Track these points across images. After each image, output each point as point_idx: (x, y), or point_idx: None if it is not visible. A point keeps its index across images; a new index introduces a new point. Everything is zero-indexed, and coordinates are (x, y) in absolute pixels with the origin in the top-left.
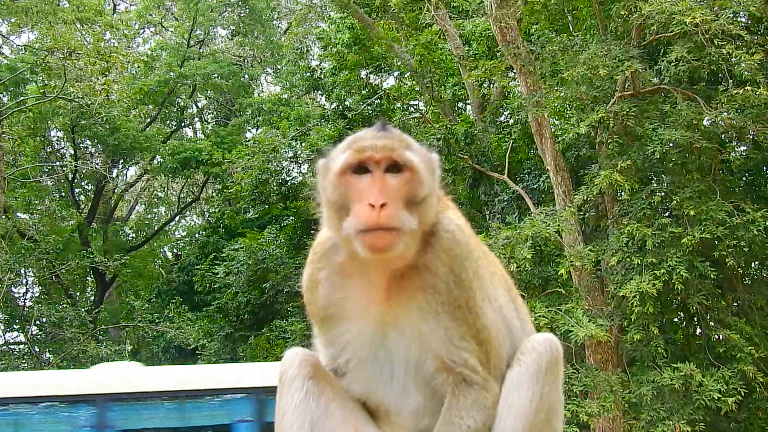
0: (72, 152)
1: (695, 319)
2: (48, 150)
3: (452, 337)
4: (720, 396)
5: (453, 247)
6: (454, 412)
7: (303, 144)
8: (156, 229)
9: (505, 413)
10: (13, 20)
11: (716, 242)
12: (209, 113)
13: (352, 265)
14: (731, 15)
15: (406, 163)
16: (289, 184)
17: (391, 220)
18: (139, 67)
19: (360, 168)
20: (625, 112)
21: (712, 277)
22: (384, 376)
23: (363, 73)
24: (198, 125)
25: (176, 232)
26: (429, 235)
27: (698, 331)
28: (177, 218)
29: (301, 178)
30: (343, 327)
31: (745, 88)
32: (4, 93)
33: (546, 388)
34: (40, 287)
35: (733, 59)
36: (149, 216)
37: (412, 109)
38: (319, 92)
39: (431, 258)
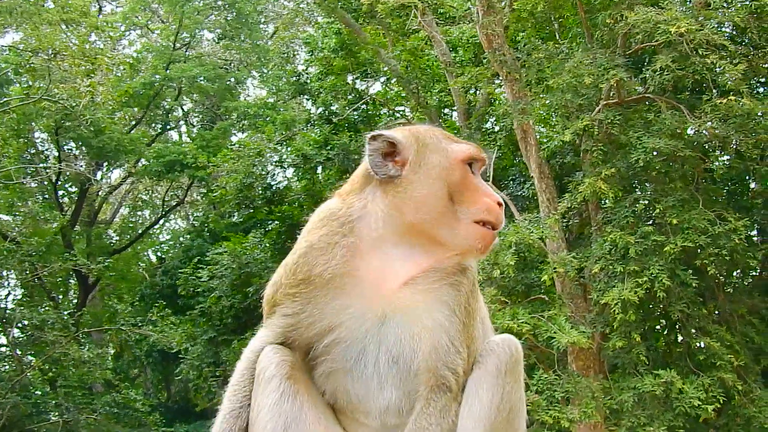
0: (56, 154)
1: (677, 326)
2: (32, 152)
3: (457, 345)
4: (700, 403)
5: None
6: (425, 417)
7: (288, 148)
8: (140, 232)
9: (467, 414)
10: None
11: (698, 251)
12: (195, 116)
13: (384, 241)
14: (716, 25)
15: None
16: (274, 188)
17: (503, 220)
18: (124, 69)
19: (471, 164)
20: (609, 121)
21: (694, 285)
22: (363, 366)
23: (349, 78)
24: (183, 128)
25: (160, 236)
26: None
27: (679, 338)
28: (161, 221)
29: (286, 182)
30: (342, 302)
31: (729, 98)
32: None
33: (507, 388)
34: (23, 289)
35: (717, 69)
36: (133, 219)
37: (398, 114)
38: (305, 97)
39: (464, 269)
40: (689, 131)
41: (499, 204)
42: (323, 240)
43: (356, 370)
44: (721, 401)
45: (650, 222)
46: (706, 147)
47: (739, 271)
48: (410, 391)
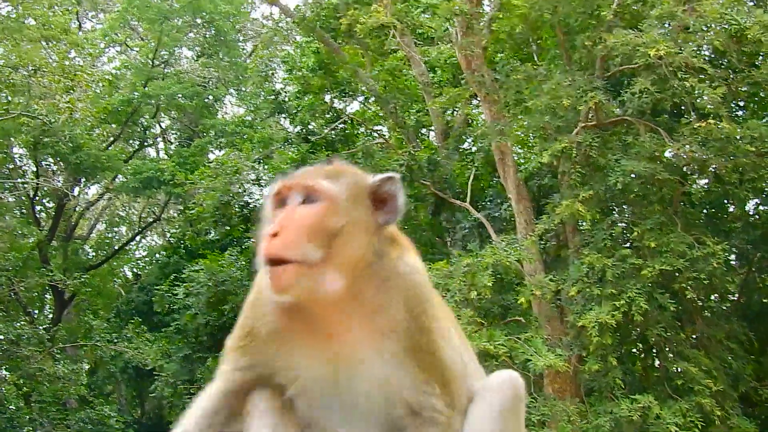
0: (34, 169)
1: (654, 350)
2: (9, 167)
3: (418, 384)
4: (677, 429)
5: (411, 291)
6: None
7: (266, 167)
8: (116, 248)
9: None
10: None
11: (676, 274)
12: (172, 133)
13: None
14: (695, 48)
15: (320, 192)
16: (251, 206)
17: (282, 250)
18: (103, 86)
19: (282, 200)
20: (588, 143)
21: (672, 309)
22: (340, 417)
23: (327, 97)
24: (161, 145)
25: (137, 252)
26: (385, 277)
27: (657, 362)
28: (138, 238)
29: (263, 200)
30: (288, 357)
31: (708, 121)
32: None
33: (509, 425)
34: None
35: (696, 92)
36: (110, 235)
37: (375, 134)
38: (283, 115)
39: (388, 301)
40: (668, 154)
41: (273, 234)
42: (254, 303)
43: (333, 420)
44: (700, 427)
45: (628, 245)
46: (685, 170)
47: (717, 295)
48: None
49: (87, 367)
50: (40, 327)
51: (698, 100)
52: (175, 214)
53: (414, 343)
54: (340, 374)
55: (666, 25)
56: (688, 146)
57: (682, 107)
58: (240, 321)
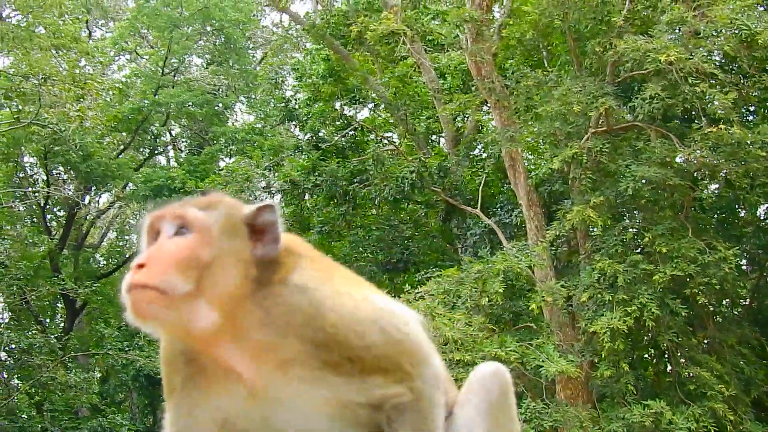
0: (44, 178)
1: (666, 356)
2: (20, 176)
3: (358, 383)
4: None
5: (294, 317)
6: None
7: (276, 174)
8: (127, 256)
9: None
10: None
11: (687, 280)
12: (183, 141)
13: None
14: (705, 54)
15: (191, 223)
16: None
17: (146, 279)
18: (113, 94)
19: (156, 233)
20: (598, 149)
21: (683, 314)
22: None
23: (337, 104)
24: (171, 153)
25: None
26: (267, 309)
27: (669, 368)
28: None
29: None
30: (214, 409)
31: (719, 126)
32: None
33: (500, 421)
34: (10, 313)
35: (707, 98)
36: (121, 243)
37: (386, 141)
38: (293, 123)
39: (280, 331)
40: (678, 160)
41: (140, 266)
42: (164, 349)
43: None
44: None
45: (639, 250)
46: (696, 176)
47: (728, 300)
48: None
49: (99, 375)
50: (52, 336)
51: (709, 106)
52: None
53: (328, 357)
54: (270, 417)
55: (676, 31)
56: (699, 151)
57: (693, 112)
58: (162, 376)
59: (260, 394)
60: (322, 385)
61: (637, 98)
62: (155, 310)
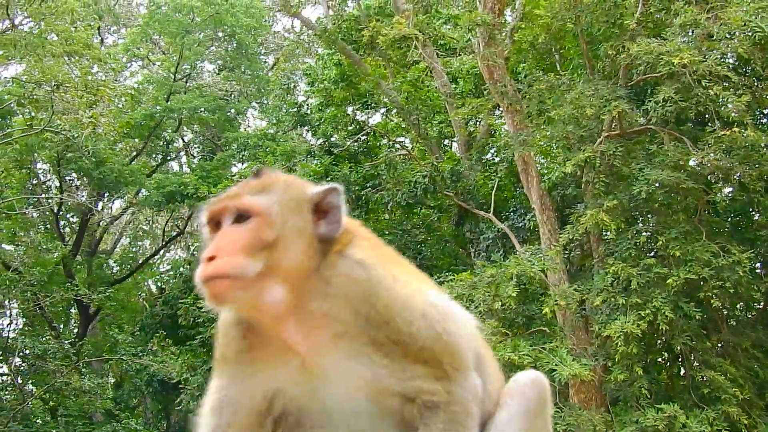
0: (57, 185)
1: (679, 359)
2: (33, 182)
3: (397, 371)
4: None
5: (352, 288)
6: None
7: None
8: (140, 262)
9: None
10: (1, 52)
11: (701, 283)
12: (195, 147)
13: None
14: (719, 56)
15: (249, 209)
16: None
17: (219, 268)
18: (125, 100)
19: (217, 223)
20: (611, 152)
21: (697, 318)
22: (336, 424)
23: (349, 109)
24: (184, 159)
25: (161, 266)
26: (326, 282)
27: (682, 371)
28: (161, 252)
29: (198, 227)
30: (265, 381)
31: (732, 129)
32: None
33: (536, 426)
34: (24, 319)
35: (720, 100)
36: (134, 249)
37: (398, 145)
38: (306, 128)
39: (334, 304)
40: (692, 163)
41: (210, 258)
42: (222, 323)
43: (322, 428)
44: None
45: (653, 254)
46: (709, 179)
47: (742, 303)
48: (404, 427)
49: (113, 381)
50: (66, 341)
51: (722, 108)
52: (199, 228)
53: (376, 335)
54: (317, 389)
55: (689, 33)
56: (712, 155)
57: (707, 115)
58: (215, 346)
59: (311, 367)
60: (366, 364)
61: (650, 101)
62: (232, 296)
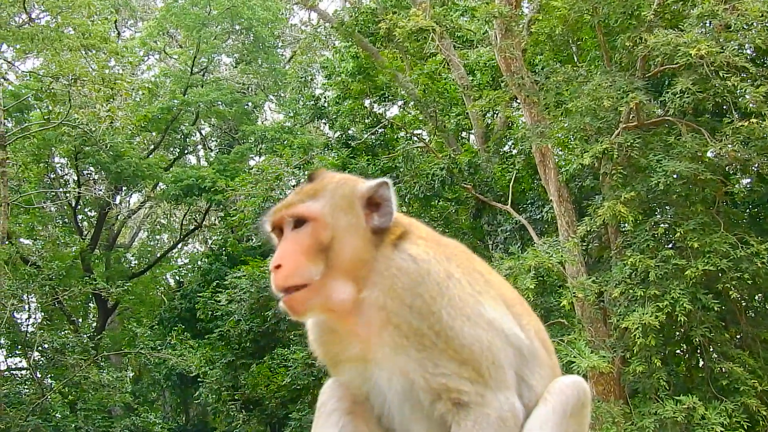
0: (75, 179)
1: (698, 351)
2: (51, 176)
3: (427, 367)
4: (723, 429)
5: (402, 279)
6: None
7: (306, 172)
8: (158, 256)
9: None
10: (18, 46)
11: (720, 275)
12: (212, 140)
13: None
14: (737, 47)
15: (304, 215)
16: None
17: (287, 279)
18: (143, 94)
19: (281, 230)
20: (629, 144)
21: (716, 309)
22: (389, 412)
23: (367, 102)
24: (201, 152)
25: (179, 260)
26: (380, 273)
27: (701, 363)
28: (179, 245)
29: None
30: (342, 368)
31: (750, 120)
32: (9, 119)
33: (571, 427)
34: (43, 313)
35: (738, 91)
36: (152, 243)
37: (415, 138)
38: (323, 121)
39: (382, 295)
40: (710, 154)
41: (277, 266)
42: (308, 327)
43: (388, 416)
44: (746, 427)
45: (671, 246)
46: (727, 170)
47: (761, 294)
48: (438, 422)
49: (131, 374)
50: (85, 335)
51: (740, 99)
52: (217, 221)
53: (414, 330)
54: (372, 375)
55: (707, 24)
56: (730, 146)
57: (724, 107)
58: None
59: (366, 353)
60: (402, 355)
61: (667, 93)
62: (306, 306)
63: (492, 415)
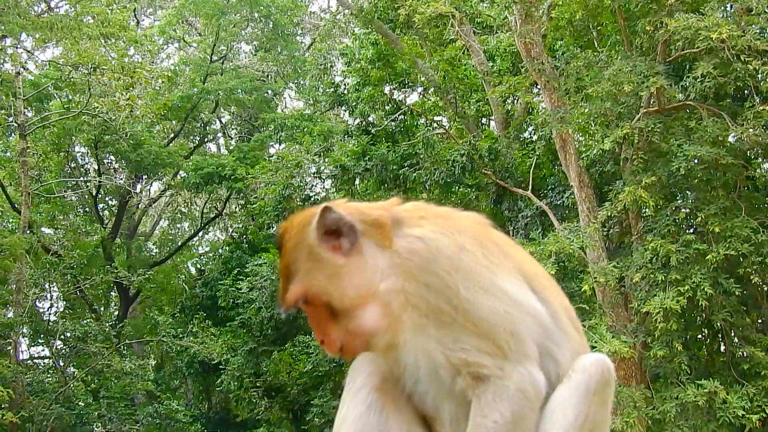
0: (96, 168)
1: (719, 335)
2: (72, 165)
3: (447, 343)
4: (744, 413)
5: (413, 260)
6: (477, 413)
7: (326, 159)
8: (179, 244)
9: (549, 427)
10: (38, 36)
11: (741, 259)
12: (232, 128)
13: None
14: (758, 31)
15: (296, 302)
16: (312, 199)
17: (333, 351)
18: (162, 82)
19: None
20: (650, 128)
21: (737, 293)
22: (420, 393)
23: (386, 88)
24: (221, 140)
25: (200, 248)
26: (391, 261)
27: (722, 347)
28: (200, 233)
29: (324, 193)
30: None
31: None
32: (29, 108)
33: (593, 408)
34: (65, 302)
35: (759, 75)
36: (173, 231)
37: (435, 124)
38: (343, 108)
39: (396, 282)
40: (731, 138)
41: (321, 342)
42: None
43: (415, 393)
44: (767, 411)
45: (692, 230)
46: (749, 154)
47: None
48: (462, 397)
49: (153, 362)
50: (107, 324)
51: (762, 83)
52: (237, 209)
53: (430, 308)
54: (401, 359)
55: (728, 8)
56: (751, 130)
57: (746, 91)
58: None
59: (395, 340)
60: (423, 335)
61: (688, 77)
62: (358, 351)
63: (511, 387)
